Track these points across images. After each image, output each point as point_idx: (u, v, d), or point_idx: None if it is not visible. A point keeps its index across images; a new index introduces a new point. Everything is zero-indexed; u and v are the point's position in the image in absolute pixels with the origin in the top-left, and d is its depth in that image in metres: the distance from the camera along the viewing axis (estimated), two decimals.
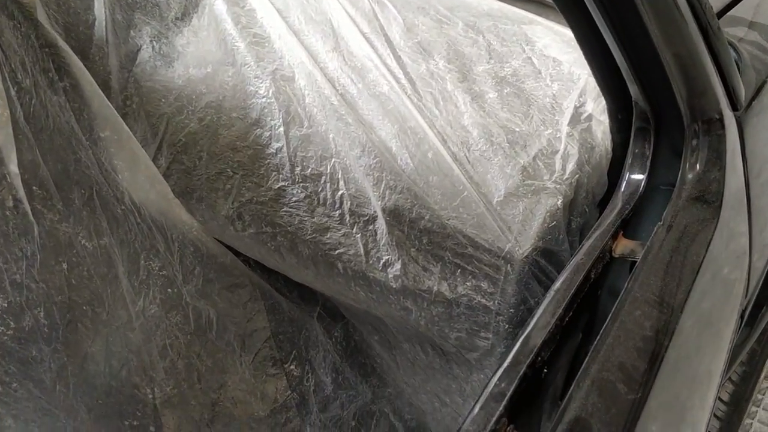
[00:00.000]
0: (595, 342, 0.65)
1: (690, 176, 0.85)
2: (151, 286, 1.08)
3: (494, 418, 0.60)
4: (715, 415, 1.53)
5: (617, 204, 0.88)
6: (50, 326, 0.95)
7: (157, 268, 1.08)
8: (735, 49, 1.03)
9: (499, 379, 0.64)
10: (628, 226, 0.87)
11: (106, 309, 1.02)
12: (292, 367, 1.17)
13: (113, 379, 1.03)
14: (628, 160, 0.92)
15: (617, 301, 0.70)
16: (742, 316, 1.05)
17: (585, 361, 0.63)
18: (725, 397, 1.53)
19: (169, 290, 1.09)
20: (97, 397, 1.01)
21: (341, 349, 1.26)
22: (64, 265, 0.98)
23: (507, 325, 0.96)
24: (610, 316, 0.68)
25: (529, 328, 0.71)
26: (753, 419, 1.93)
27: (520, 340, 0.69)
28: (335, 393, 1.21)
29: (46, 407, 0.95)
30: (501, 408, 0.61)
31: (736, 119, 0.93)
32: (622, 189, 0.91)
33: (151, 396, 1.06)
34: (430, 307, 1.01)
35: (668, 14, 0.78)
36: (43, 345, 0.94)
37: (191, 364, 1.08)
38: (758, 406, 1.96)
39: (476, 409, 0.62)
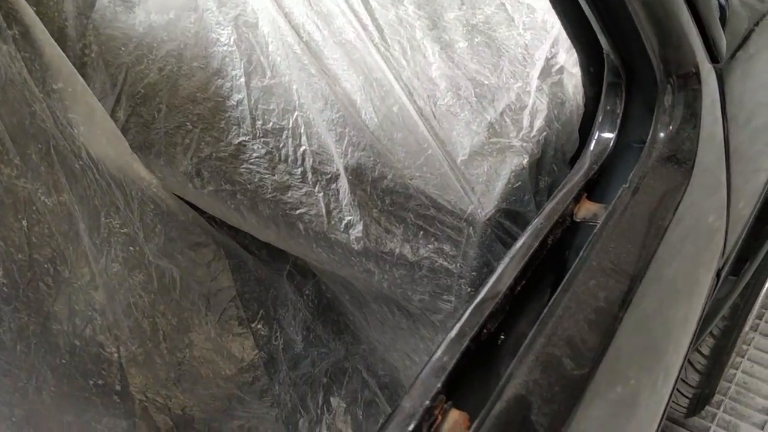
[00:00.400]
0: (542, 315, 0.62)
1: (661, 135, 0.80)
2: (112, 244, 1.05)
3: (431, 395, 0.57)
4: (694, 368, 1.53)
5: (584, 164, 0.83)
6: (10, 285, 0.94)
7: (117, 225, 1.05)
8: None
9: (442, 353, 0.61)
10: (595, 187, 0.83)
11: (68, 267, 1.00)
12: (259, 326, 1.15)
13: (77, 338, 1.02)
14: (599, 116, 0.86)
15: (570, 270, 0.66)
16: (718, 274, 1.03)
17: (529, 335, 0.60)
18: (706, 351, 1.53)
19: (131, 248, 1.06)
20: (60, 356, 1.00)
21: (313, 307, 1.24)
22: (24, 223, 0.95)
23: (469, 288, 0.93)
24: (561, 286, 0.65)
25: (479, 298, 0.67)
26: (737, 369, 1.94)
27: (469, 310, 0.66)
28: (306, 351, 1.20)
29: (6, 368, 0.94)
30: (439, 384, 0.58)
31: (717, 72, 0.87)
32: (591, 148, 0.85)
33: (116, 355, 1.05)
34: (393, 269, 0.98)
35: None
36: (3, 304, 0.93)
37: (156, 323, 1.07)
38: (743, 357, 1.96)
39: (415, 385, 0.59)
